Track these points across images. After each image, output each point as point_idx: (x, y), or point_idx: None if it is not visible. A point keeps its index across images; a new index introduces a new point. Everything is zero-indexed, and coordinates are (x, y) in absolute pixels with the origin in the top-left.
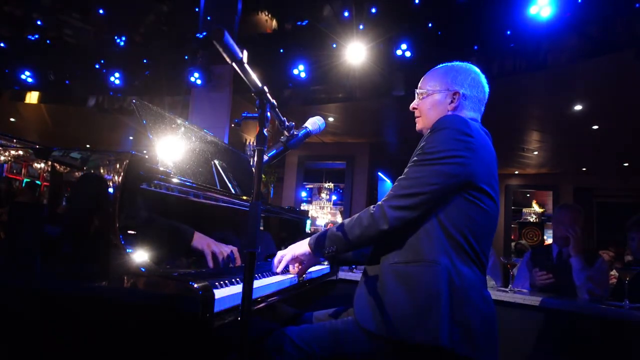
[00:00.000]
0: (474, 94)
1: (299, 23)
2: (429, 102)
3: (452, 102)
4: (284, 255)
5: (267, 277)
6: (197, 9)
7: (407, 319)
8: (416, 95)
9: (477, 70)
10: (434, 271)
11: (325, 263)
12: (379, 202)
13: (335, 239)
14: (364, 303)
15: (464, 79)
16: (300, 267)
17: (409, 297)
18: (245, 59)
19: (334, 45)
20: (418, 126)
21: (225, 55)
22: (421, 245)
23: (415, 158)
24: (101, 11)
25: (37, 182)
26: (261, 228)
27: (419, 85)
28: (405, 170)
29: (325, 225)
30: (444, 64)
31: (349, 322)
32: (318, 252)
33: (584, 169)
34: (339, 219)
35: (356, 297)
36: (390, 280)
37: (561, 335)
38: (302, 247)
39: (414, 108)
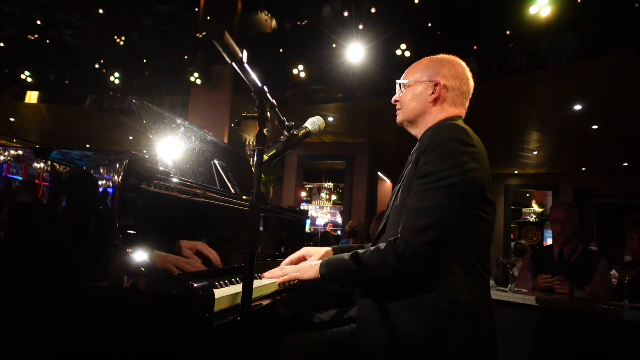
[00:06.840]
0: (458, 85)
1: (299, 23)
2: (410, 94)
3: (433, 93)
4: (288, 274)
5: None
6: (197, 9)
7: (422, 352)
8: (398, 87)
9: (464, 64)
10: (449, 300)
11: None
12: (401, 237)
13: (353, 276)
14: (371, 330)
15: (447, 71)
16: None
17: (424, 329)
18: (245, 59)
19: (334, 46)
20: (398, 119)
21: (225, 55)
22: (435, 274)
23: (423, 181)
24: (101, 11)
25: (37, 182)
26: (261, 229)
27: (402, 77)
28: (415, 193)
29: (324, 226)
30: (428, 57)
31: (351, 336)
32: (331, 284)
33: (584, 169)
34: (339, 219)
35: (360, 317)
36: (402, 312)
37: (561, 335)
38: (311, 272)
39: (395, 101)
